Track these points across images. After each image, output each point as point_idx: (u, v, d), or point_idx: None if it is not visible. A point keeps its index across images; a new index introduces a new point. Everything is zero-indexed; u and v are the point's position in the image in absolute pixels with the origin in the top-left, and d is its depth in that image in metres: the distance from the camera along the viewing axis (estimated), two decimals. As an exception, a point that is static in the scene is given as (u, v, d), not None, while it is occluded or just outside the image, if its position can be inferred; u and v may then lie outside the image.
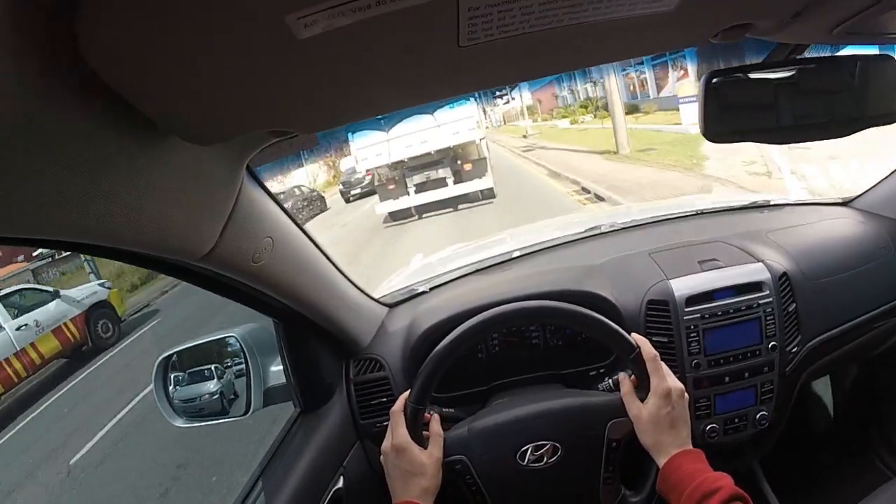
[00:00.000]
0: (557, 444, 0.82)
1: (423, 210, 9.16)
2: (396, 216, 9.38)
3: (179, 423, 1.02)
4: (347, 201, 16.60)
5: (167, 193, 0.44)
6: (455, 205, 9.01)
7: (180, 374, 1.06)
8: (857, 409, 1.46)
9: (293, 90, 0.39)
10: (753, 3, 0.45)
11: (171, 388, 1.04)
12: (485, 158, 9.15)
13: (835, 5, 0.47)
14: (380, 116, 8.56)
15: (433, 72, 0.42)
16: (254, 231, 0.62)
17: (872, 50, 0.74)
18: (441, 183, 9.03)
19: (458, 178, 9.04)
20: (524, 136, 22.38)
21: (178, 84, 0.34)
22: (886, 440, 1.37)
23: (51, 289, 7.98)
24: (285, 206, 0.74)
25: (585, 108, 22.86)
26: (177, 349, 1.04)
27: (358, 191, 15.99)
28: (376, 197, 10.05)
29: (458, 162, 9.04)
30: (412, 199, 9.13)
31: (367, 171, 9.65)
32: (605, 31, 0.40)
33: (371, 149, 8.97)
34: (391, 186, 9.23)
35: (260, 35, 0.30)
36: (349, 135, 9.34)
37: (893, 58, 0.70)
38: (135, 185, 0.40)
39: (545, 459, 0.81)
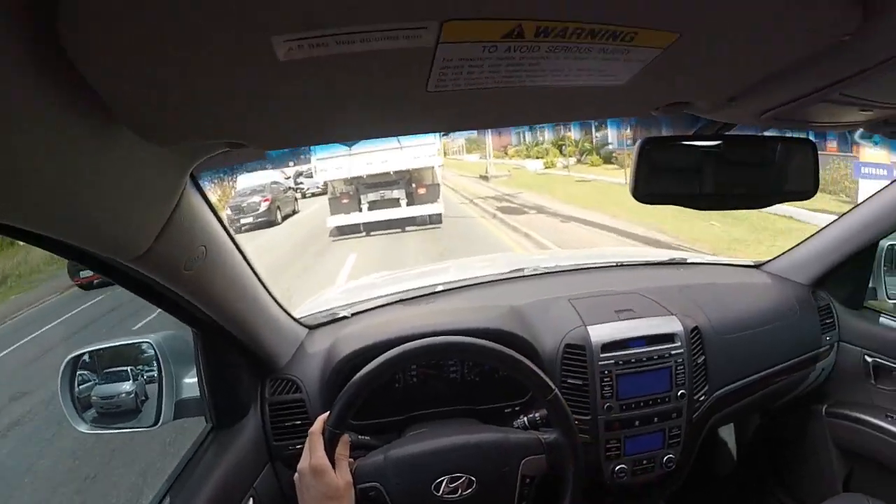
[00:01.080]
0: (473, 478, 0.82)
1: (371, 227, 9.21)
2: (344, 230, 9.36)
3: (83, 427, 0.96)
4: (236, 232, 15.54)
5: (109, 188, 0.43)
6: (403, 226, 9.16)
7: (94, 373, 0.99)
8: (758, 455, 1.56)
9: (261, 108, 0.39)
10: (693, 87, 0.49)
11: (76, 388, 0.97)
12: (438, 184, 9.40)
13: (766, 96, 0.51)
14: None
15: (398, 111, 0.44)
16: (190, 238, 0.60)
17: (796, 134, 0.81)
18: (394, 203, 9.20)
19: (411, 200, 9.24)
20: (483, 178, 17.36)
21: (148, 80, 0.33)
22: (784, 484, 1.47)
23: None
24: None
25: (559, 148, 19.56)
26: (88, 349, 0.98)
27: (250, 219, 12.07)
28: (273, 231, 10.47)
29: (413, 185, 9.24)
30: (364, 216, 9.22)
31: (324, 182, 9.77)
32: (563, 96, 0.43)
33: (332, 160, 9.03)
34: (345, 200, 9.29)
35: (243, 50, 0.30)
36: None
37: (813, 142, 0.77)
38: (77, 173, 0.39)
39: (460, 492, 0.82)
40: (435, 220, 9.18)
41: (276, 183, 14.51)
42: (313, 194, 18.04)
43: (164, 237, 0.54)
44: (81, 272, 8.58)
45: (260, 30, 0.28)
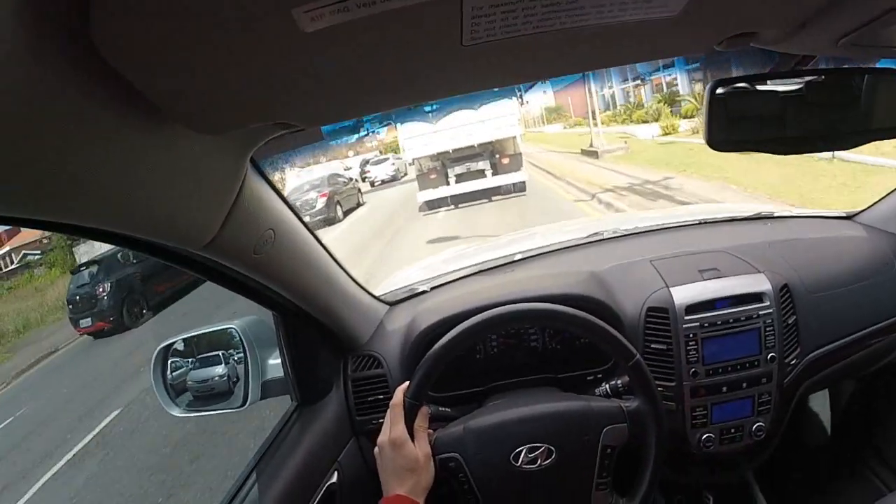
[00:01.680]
0: (552, 448, 0.81)
1: (459, 200, 9.65)
2: (432, 205, 9.85)
3: (176, 411, 1.02)
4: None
5: (171, 181, 0.45)
6: (490, 196, 9.60)
7: (188, 360, 1.06)
8: (853, 424, 1.45)
9: (298, 84, 0.40)
10: (758, 12, 0.45)
11: (175, 376, 1.05)
12: (521, 153, 9.73)
13: (840, 16, 0.47)
14: (427, 108, 9.40)
15: (436, 70, 0.42)
16: (256, 222, 0.62)
17: (882, 64, 0.75)
18: (480, 174, 9.58)
19: (496, 170, 9.60)
20: (588, 153, 13.07)
21: (186, 73, 0.34)
22: (881, 456, 1.36)
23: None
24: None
25: (670, 106, 15.02)
26: (177, 338, 1.05)
27: (306, 219, 12.90)
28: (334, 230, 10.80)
29: (497, 155, 9.58)
30: (452, 189, 9.63)
31: (413, 159, 10.10)
32: (609, 35, 0.40)
33: (419, 139, 9.52)
34: (433, 176, 9.72)
35: (267, 28, 0.31)
36: (397, 124, 10.03)
37: None
38: (139, 171, 0.41)
39: (539, 462, 0.81)
40: (519, 187, 9.53)
41: (336, 175, 13.85)
42: (383, 182, 18.31)
43: (230, 223, 0.56)
44: (81, 321, 8.85)
45: (279, 5, 0.28)
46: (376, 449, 0.83)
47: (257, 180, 0.62)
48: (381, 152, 23.75)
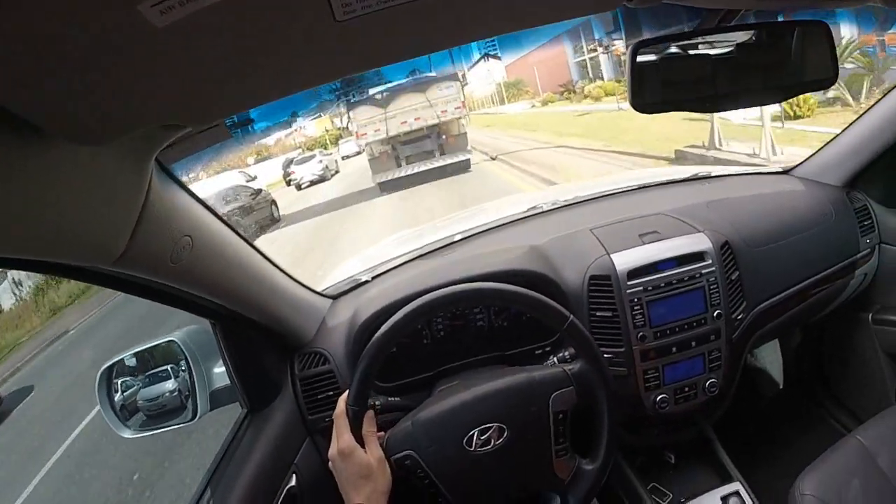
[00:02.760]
0: (503, 425, 0.81)
1: (411, 181, 10.08)
2: (385, 187, 10.37)
3: (127, 433, 0.98)
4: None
5: (67, 199, 0.42)
6: (439, 176, 10.06)
7: (135, 378, 1.02)
8: (805, 372, 1.51)
9: (168, 82, 0.37)
10: None
11: (124, 396, 1.00)
12: (465, 133, 10.39)
13: None
14: (377, 94, 10.32)
15: (312, 52, 0.39)
16: (169, 230, 0.59)
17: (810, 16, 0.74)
18: (429, 155, 10.26)
19: (442, 150, 10.31)
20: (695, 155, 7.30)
21: (53, 87, 0.32)
22: (834, 398, 1.43)
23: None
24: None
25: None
26: (118, 357, 1.00)
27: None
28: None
29: (443, 136, 10.26)
30: (404, 170, 10.24)
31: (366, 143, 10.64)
32: None
33: (370, 124, 10.15)
34: (384, 159, 10.37)
35: (117, 26, 0.29)
36: (350, 112, 10.74)
37: (826, 24, 0.70)
38: (30, 193, 0.38)
39: (493, 442, 0.80)
40: (465, 166, 10.15)
41: (240, 189, 11.13)
42: (312, 183, 15.64)
43: (139, 235, 0.53)
44: None
45: (123, 1, 0.27)
46: (329, 463, 0.81)
47: (167, 186, 0.59)
48: (304, 150, 21.87)
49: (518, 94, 22.84)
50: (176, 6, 0.28)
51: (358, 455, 0.77)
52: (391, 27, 0.37)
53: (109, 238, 0.50)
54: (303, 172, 16.07)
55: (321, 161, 16.45)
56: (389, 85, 10.58)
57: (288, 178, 16.93)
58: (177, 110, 0.43)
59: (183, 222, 0.61)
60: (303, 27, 0.35)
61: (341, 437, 0.79)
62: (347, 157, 19.13)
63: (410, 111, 10.04)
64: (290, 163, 17.52)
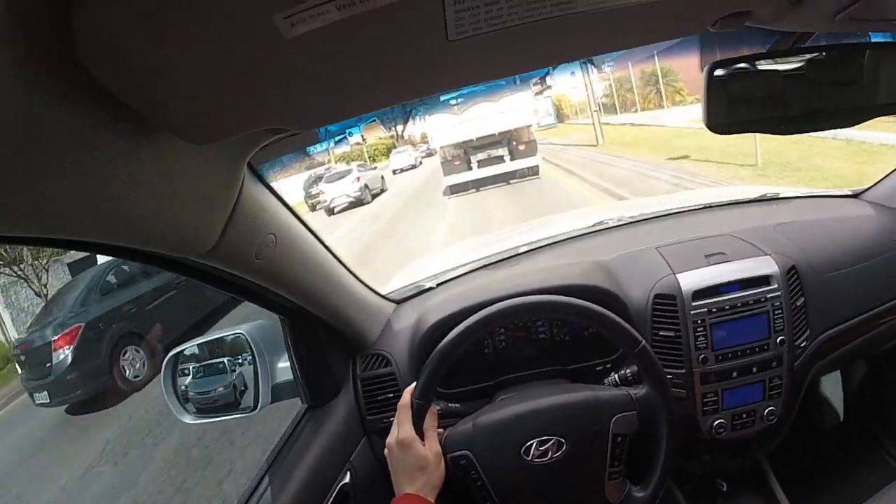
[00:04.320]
0: (562, 440, 0.81)
1: (480, 183, 10.73)
2: (455, 189, 10.92)
3: (188, 418, 1.03)
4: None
5: (167, 192, 0.45)
6: (508, 179, 10.66)
7: (194, 366, 1.06)
8: (865, 406, 1.44)
9: (286, 89, 0.40)
10: None
11: (180, 383, 1.05)
12: (534, 140, 10.97)
13: None
14: (451, 101, 11.07)
15: (424, 67, 0.42)
16: (256, 228, 0.62)
17: (880, 37, 0.73)
18: (499, 160, 10.71)
19: (513, 156, 10.76)
20: None
21: (174, 85, 0.35)
22: (894, 437, 1.35)
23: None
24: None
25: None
26: (186, 345, 1.05)
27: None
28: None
29: (514, 143, 10.74)
30: (475, 173, 10.76)
31: (440, 147, 11.35)
32: (599, 22, 0.40)
33: (445, 129, 10.96)
34: (456, 163, 10.89)
35: (249, 35, 0.31)
36: (424, 116, 11.80)
37: None
38: (134, 184, 0.41)
39: (550, 455, 0.81)
40: (533, 171, 10.65)
41: None
42: (347, 206, 12.72)
43: (229, 230, 0.56)
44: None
45: (259, 13, 0.28)
46: (386, 451, 0.83)
47: (256, 185, 0.62)
48: (334, 162, 19.98)
49: (627, 102, 16.67)
50: (307, 19, 0.30)
51: (416, 447, 0.79)
52: (497, 47, 0.40)
53: (202, 232, 0.53)
54: (334, 192, 12.87)
55: (358, 179, 13.20)
56: (463, 92, 10.91)
57: (314, 202, 13.95)
58: (285, 115, 0.46)
59: (269, 221, 0.65)
60: (417, 44, 0.37)
61: (402, 427, 0.81)
62: (401, 170, 18.27)
63: (483, 118, 10.65)
64: (316, 180, 14.09)
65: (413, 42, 0.37)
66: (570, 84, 20.10)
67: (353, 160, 20.39)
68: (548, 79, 19.69)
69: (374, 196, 13.73)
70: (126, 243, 0.46)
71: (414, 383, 0.84)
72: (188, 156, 0.45)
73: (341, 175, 13.68)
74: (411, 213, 10.54)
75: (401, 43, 0.37)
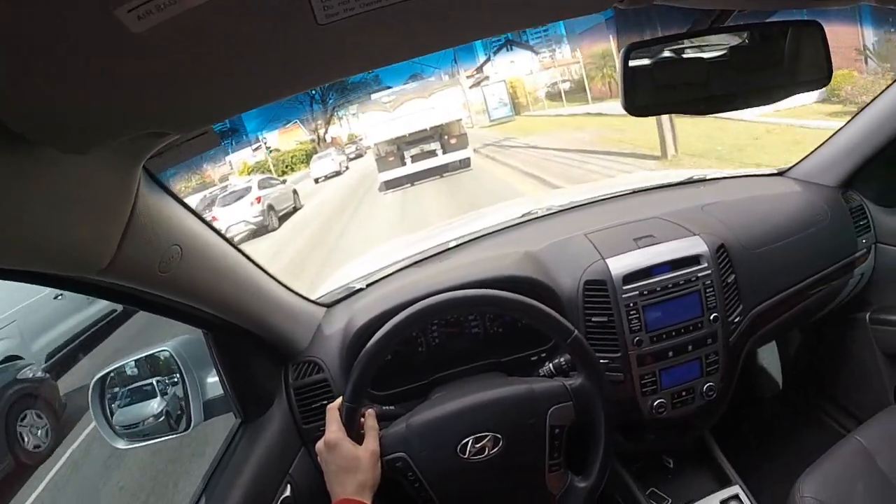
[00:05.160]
0: (498, 435, 0.80)
1: (414, 178, 10.84)
2: (390, 184, 11.03)
3: (121, 444, 0.98)
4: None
5: (52, 208, 0.42)
6: (441, 172, 10.93)
7: (121, 390, 1.01)
8: (803, 373, 1.51)
9: (149, 89, 0.36)
10: None
11: (109, 408, 0.98)
12: (465, 133, 11.18)
13: None
14: (384, 99, 11.24)
15: (295, 57, 0.38)
16: (157, 240, 0.58)
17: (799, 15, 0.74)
18: (432, 154, 10.93)
19: (444, 150, 10.98)
20: None
21: (33, 92, 0.32)
22: (834, 400, 1.43)
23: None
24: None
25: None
26: (111, 367, 0.99)
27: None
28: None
29: (445, 137, 11.00)
30: (408, 168, 10.90)
31: (374, 144, 11.40)
32: (492, 1, 0.36)
33: (378, 127, 11.11)
34: (390, 159, 11.01)
35: (94, 31, 0.28)
36: (358, 114, 11.59)
37: (820, 23, 0.70)
38: (14, 202, 0.38)
39: (487, 451, 0.80)
40: (465, 164, 10.90)
41: None
42: (244, 239, 9.25)
43: (126, 244, 0.52)
44: None
45: (97, 6, 0.26)
46: (317, 454, 0.81)
47: (155, 194, 0.58)
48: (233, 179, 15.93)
49: (576, 96, 16.50)
50: (154, 11, 0.27)
51: (343, 447, 0.77)
52: (376, 30, 0.36)
53: (96, 247, 0.49)
54: (229, 219, 9.55)
55: (258, 199, 9.97)
56: (395, 89, 11.45)
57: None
58: (160, 117, 0.42)
59: (172, 231, 0.60)
60: (284, 31, 0.34)
61: (329, 428, 0.79)
62: (325, 178, 15.99)
63: (416, 114, 10.97)
64: (209, 203, 10.66)
65: (279, 30, 0.34)
66: (511, 72, 19.21)
67: (266, 171, 17.99)
68: (486, 67, 18.96)
69: (284, 218, 10.63)
70: (14, 266, 0.43)
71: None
72: (71, 168, 0.42)
73: (238, 195, 10.40)
74: (330, 237, 8.06)
75: (265, 33, 0.33)
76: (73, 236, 0.46)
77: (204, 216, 0.70)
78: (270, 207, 10.18)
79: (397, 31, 0.38)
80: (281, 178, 13.75)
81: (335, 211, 10.58)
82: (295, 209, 11.52)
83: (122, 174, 0.49)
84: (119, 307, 6.24)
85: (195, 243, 0.66)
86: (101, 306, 6.35)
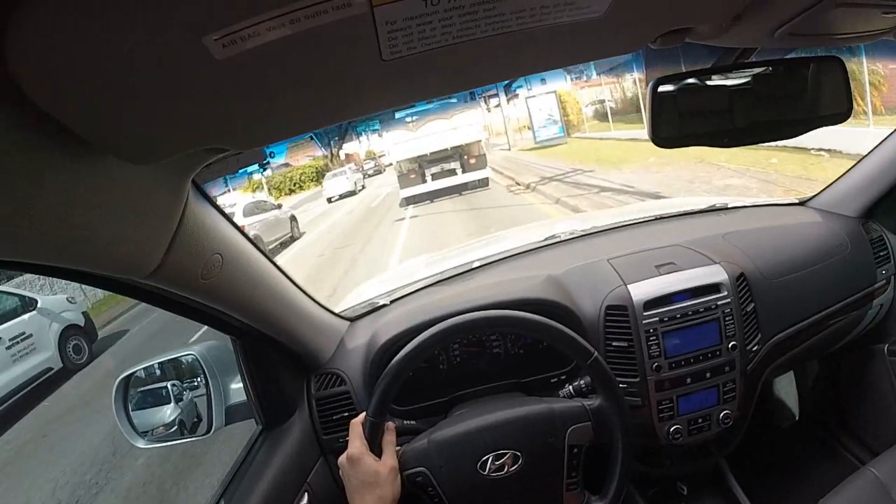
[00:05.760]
0: (518, 453, 0.81)
1: (435, 195, 11.44)
2: (411, 200, 11.64)
3: (141, 443, 0.99)
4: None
5: (109, 213, 0.44)
6: (460, 190, 11.42)
7: (142, 391, 1.03)
8: (820, 403, 1.49)
9: (221, 109, 0.39)
10: (690, 8, 0.44)
11: (131, 408, 1.01)
12: (484, 154, 11.65)
13: (775, 7, 0.47)
14: (407, 119, 11.61)
15: (359, 87, 0.41)
16: (201, 248, 0.61)
17: (821, 52, 0.76)
18: (452, 172, 11.47)
19: (464, 169, 11.51)
20: None
21: (109, 105, 0.34)
22: (851, 431, 1.40)
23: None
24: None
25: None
26: (136, 368, 1.01)
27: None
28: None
29: (465, 157, 11.51)
30: (429, 185, 11.51)
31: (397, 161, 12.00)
32: (536, 40, 0.39)
33: (401, 145, 11.60)
34: (412, 176, 11.63)
35: (180, 57, 0.30)
36: (382, 132, 11.80)
37: (840, 59, 0.71)
38: (73, 205, 0.40)
39: (506, 468, 0.81)
40: (483, 183, 11.42)
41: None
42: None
43: (174, 251, 0.54)
44: None
45: (188, 34, 0.28)
46: (339, 468, 0.82)
47: (201, 204, 0.61)
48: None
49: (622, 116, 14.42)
50: (238, 41, 0.30)
51: (365, 462, 0.78)
52: (432, 67, 0.39)
53: (145, 252, 0.51)
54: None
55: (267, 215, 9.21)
56: (418, 109, 11.58)
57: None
58: (224, 135, 0.45)
59: (214, 240, 0.63)
60: (351, 65, 0.37)
61: (352, 443, 0.80)
62: (339, 197, 16.07)
63: (438, 134, 11.42)
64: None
65: (347, 63, 0.37)
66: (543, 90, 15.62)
67: (274, 190, 16.95)
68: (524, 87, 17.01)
69: (276, 251, 9.66)
70: (68, 265, 0.46)
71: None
72: (128, 176, 0.44)
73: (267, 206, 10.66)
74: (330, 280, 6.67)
75: (335, 64, 0.36)
76: (125, 241, 0.48)
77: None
78: (257, 239, 8.21)
79: (449, 68, 0.41)
80: (276, 202, 12.69)
81: (344, 239, 9.47)
82: (293, 238, 10.59)
83: (175, 184, 0.52)
84: (56, 365, 6.22)
85: (235, 253, 0.69)
86: (32, 364, 5.95)
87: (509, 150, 17.42)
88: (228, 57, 0.31)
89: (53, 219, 0.39)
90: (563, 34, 0.40)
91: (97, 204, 0.42)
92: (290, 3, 0.28)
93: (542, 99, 15.13)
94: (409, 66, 0.38)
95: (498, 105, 19.46)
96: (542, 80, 15.75)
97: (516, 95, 18.12)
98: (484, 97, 18.01)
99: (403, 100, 0.45)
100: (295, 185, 20.69)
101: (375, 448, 0.80)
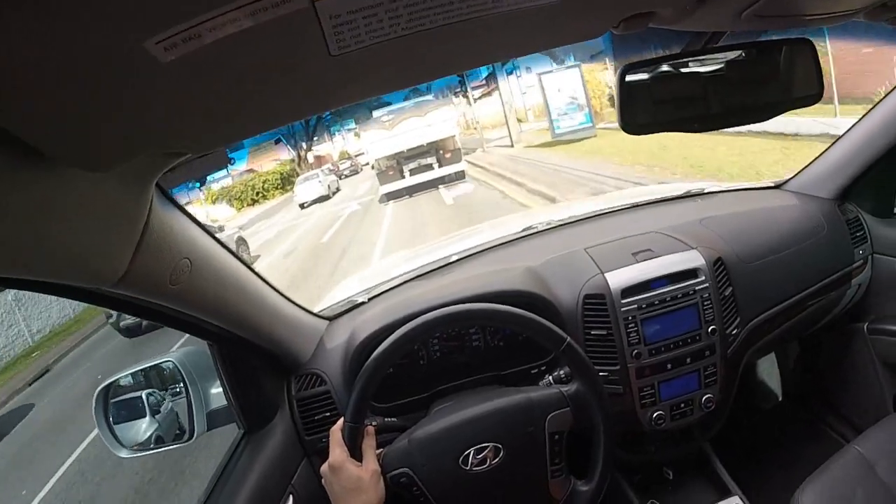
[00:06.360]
0: (499, 445, 0.81)
1: (413, 190, 11.71)
2: (391, 196, 11.99)
3: (123, 453, 0.98)
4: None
5: (67, 222, 0.43)
6: (437, 184, 11.67)
7: (122, 400, 1.02)
8: (802, 384, 1.51)
9: (172, 112, 0.38)
10: None
11: (111, 418, 1.00)
12: (459, 148, 11.95)
13: None
14: (383, 118, 12.00)
15: (311, 84, 0.40)
16: (168, 253, 0.59)
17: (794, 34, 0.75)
18: (429, 167, 11.79)
19: (440, 163, 11.85)
20: None
21: (57, 113, 0.33)
22: (834, 410, 1.43)
23: None
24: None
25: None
26: (114, 378, 1.00)
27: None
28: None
29: (441, 152, 11.82)
30: (407, 181, 11.84)
31: (375, 159, 12.33)
32: (490, 28, 0.38)
33: (378, 143, 11.91)
34: (391, 172, 11.96)
35: (124, 59, 0.30)
36: (360, 132, 11.80)
37: (810, 40, 0.71)
38: (31, 215, 0.39)
39: (488, 462, 0.81)
40: (460, 176, 11.79)
41: None
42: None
43: (139, 257, 0.53)
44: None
45: (128, 39, 0.28)
46: (322, 478, 0.82)
47: (167, 209, 0.60)
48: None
49: None
50: (179, 43, 0.29)
51: (347, 469, 0.78)
52: (383, 60, 0.38)
53: (111, 260, 0.50)
54: None
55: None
56: (392, 108, 12.18)
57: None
58: (178, 138, 0.44)
59: (182, 245, 0.62)
60: (299, 62, 0.36)
61: (332, 451, 0.80)
62: (313, 202, 15.57)
63: (413, 131, 11.71)
64: None
65: (295, 60, 0.36)
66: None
67: (235, 200, 15.47)
68: (501, 78, 16.21)
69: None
70: (32, 277, 0.45)
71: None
72: (87, 184, 0.43)
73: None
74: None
75: (283, 62, 0.35)
76: (89, 250, 0.47)
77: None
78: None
79: (402, 61, 0.40)
80: (217, 224, 11.00)
81: (303, 261, 8.06)
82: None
83: (137, 190, 0.50)
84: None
85: (204, 257, 0.68)
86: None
87: (512, 146, 14.01)
88: (173, 60, 0.30)
89: (13, 231, 0.38)
90: (518, 21, 0.39)
91: (58, 214, 0.41)
92: (227, 2, 0.27)
93: (560, 76, 11.23)
94: (360, 61, 0.36)
95: (482, 96, 18.83)
96: (562, 61, 12.41)
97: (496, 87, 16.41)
98: (466, 88, 17.81)
99: (359, 95, 0.44)
100: (258, 194, 18.51)
101: (356, 453, 0.79)
